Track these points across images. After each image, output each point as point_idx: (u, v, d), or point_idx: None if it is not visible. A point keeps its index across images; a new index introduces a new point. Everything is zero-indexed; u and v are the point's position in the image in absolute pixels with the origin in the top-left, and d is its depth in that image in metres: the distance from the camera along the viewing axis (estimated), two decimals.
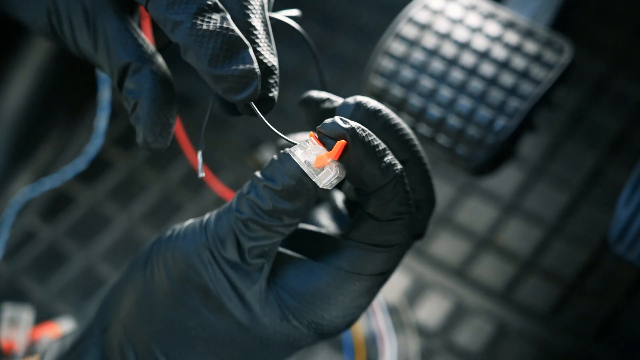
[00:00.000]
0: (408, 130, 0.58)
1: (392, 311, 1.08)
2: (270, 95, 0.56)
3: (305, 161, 0.53)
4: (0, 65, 1.22)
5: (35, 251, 1.20)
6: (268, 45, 0.55)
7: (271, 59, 0.55)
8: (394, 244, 0.56)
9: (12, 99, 1.23)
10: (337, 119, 0.53)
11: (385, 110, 0.58)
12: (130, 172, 1.27)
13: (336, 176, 0.53)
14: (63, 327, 1.08)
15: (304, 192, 0.53)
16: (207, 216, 0.57)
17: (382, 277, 0.58)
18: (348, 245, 0.56)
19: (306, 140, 0.53)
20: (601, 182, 1.17)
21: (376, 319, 0.89)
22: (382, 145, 0.54)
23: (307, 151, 0.53)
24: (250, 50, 0.53)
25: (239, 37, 0.53)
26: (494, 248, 1.14)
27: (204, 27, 0.52)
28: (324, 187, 0.53)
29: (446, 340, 1.08)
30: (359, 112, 0.57)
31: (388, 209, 0.55)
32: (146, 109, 0.55)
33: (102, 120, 0.92)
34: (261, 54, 0.55)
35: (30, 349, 1.04)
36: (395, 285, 1.12)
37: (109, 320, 0.60)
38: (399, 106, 0.87)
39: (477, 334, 1.08)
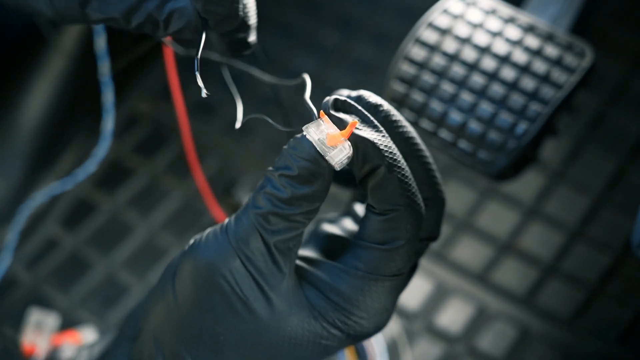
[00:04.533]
0: (409, 128, 0.60)
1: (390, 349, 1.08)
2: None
3: (318, 139, 0.54)
4: (22, 73, 1.23)
5: (58, 259, 1.20)
6: None
7: None
8: (398, 239, 0.57)
9: (33, 106, 1.24)
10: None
11: (387, 106, 0.59)
12: (151, 180, 1.27)
13: (348, 155, 0.54)
14: (85, 335, 1.08)
15: (320, 173, 0.54)
16: (226, 221, 0.58)
17: (399, 277, 0.58)
18: (361, 247, 0.58)
19: (318, 120, 0.55)
20: (622, 185, 1.16)
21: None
22: (381, 129, 0.56)
23: (320, 130, 0.55)
24: None
25: None
26: (515, 252, 1.13)
27: None
28: (336, 166, 0.54)
29: (469, 345, 1.08)
30: (360, 105, 0.59)
31: (384, 197, 0.56)
32: None
33: (108, 122, 0.93)
34: None
35: (51, 355, 1.04)
36: (417, 291, 1.12)
37: (138, 330, 0.60)
38: (419, 111, 0.87)
39: (499, 338, 1.08)
